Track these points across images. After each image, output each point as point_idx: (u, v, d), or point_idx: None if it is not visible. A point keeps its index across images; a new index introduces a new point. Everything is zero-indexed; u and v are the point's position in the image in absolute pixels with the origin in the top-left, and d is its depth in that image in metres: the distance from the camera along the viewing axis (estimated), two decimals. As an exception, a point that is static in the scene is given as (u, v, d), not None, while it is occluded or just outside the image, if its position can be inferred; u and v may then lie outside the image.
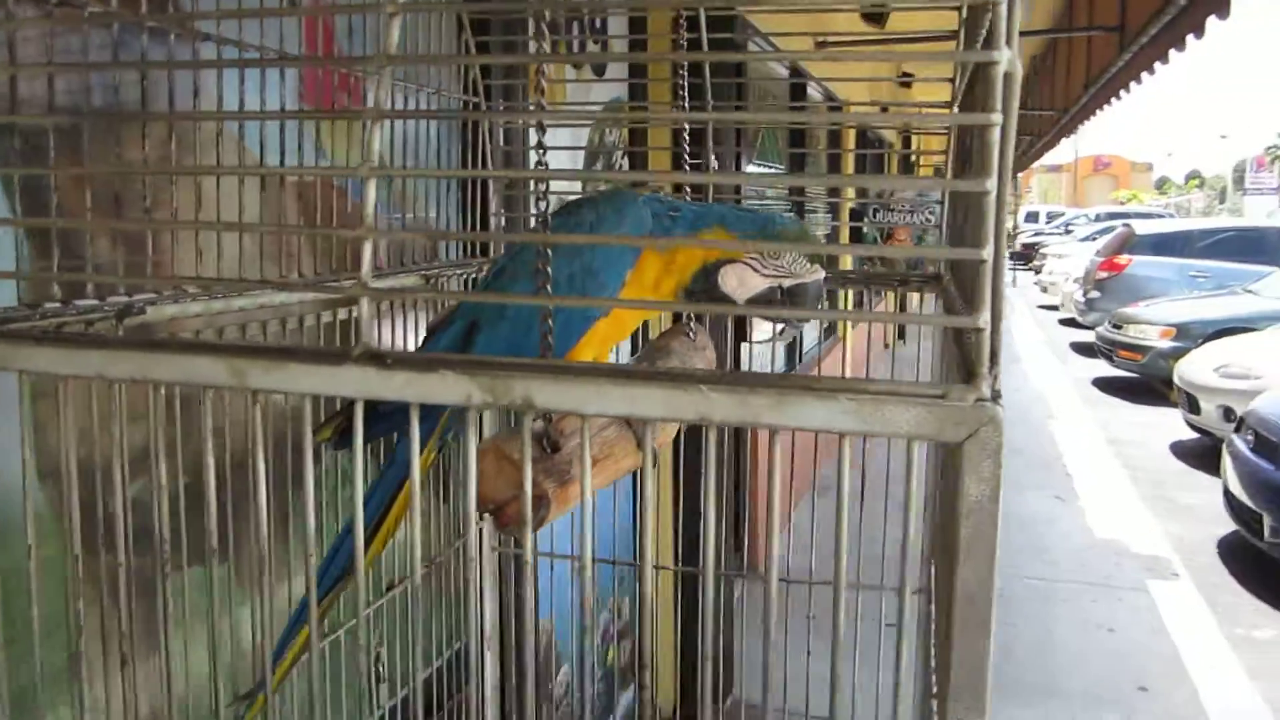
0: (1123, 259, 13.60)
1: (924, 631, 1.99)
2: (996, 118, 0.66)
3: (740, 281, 1.27)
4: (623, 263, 1.22)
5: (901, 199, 6.63)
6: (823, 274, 1.31)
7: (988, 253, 0.66)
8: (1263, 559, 6.09)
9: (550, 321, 1.11)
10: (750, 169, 5.88)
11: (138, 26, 1.12)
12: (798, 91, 6.32)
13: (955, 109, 1.72)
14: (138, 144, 1.21)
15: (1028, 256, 25.79)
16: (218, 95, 1.30)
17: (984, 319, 0.67)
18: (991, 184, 0.66)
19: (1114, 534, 6.81)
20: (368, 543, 1.29)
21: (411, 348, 1.81)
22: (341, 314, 1.56)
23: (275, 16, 1.48)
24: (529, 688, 2.35)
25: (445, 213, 2.30)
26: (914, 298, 2.06)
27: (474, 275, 1.94)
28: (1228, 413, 7.95)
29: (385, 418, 1.14)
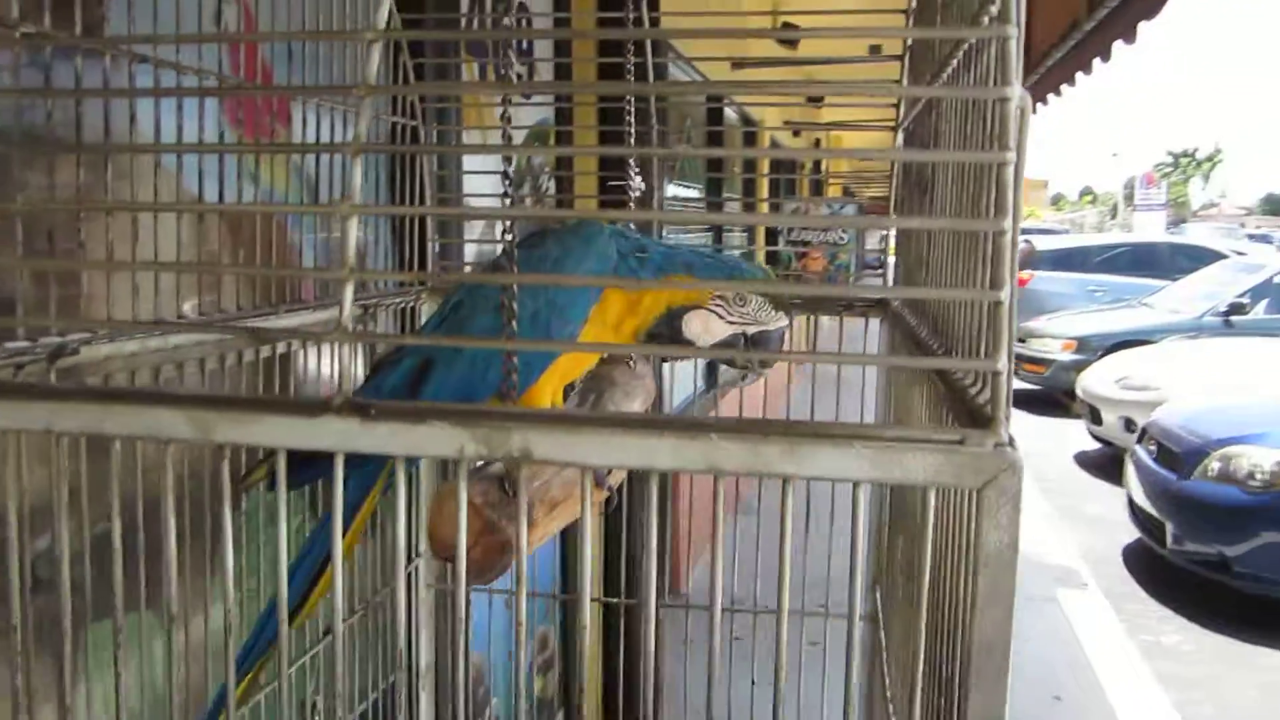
0: (1025, 274, 14.03)
1: (867, 657, 1.99)
2: (1011, 155, 0.65)
3: (705, 328, 1.28)
4: (587, 299, 1.19)
5: (815, 217, 6.72)
6: (786, 321, 1.32)
7: (1005, 294, 0.64)
8: (1167, 566, 6.30)
9: (515, 359, 1.07)
10: (670, 189, 5.89)
11: (72, 49, 1.05)
12: (714, 114, 6.35)
13: (900, 134, 1.73)
14: (71, 170, 1.13)
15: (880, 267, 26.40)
16: (155, 123, 1.22)
17: (1001, 362, 0.65)
18: (1008, 224, 0.64)
19: (1025, 545, 6.94)
20: (307, 595, 1.24)
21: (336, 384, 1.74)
22: (264, 351, 1.49)
23: (224, 42, 1.41)
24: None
25: (376, 234, 2.23)
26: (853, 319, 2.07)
27: (410, 305, 1.88)
28: (1129, 423, 8.22)
29: (317, 464, 1.09)
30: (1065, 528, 7.40)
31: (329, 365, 1.80)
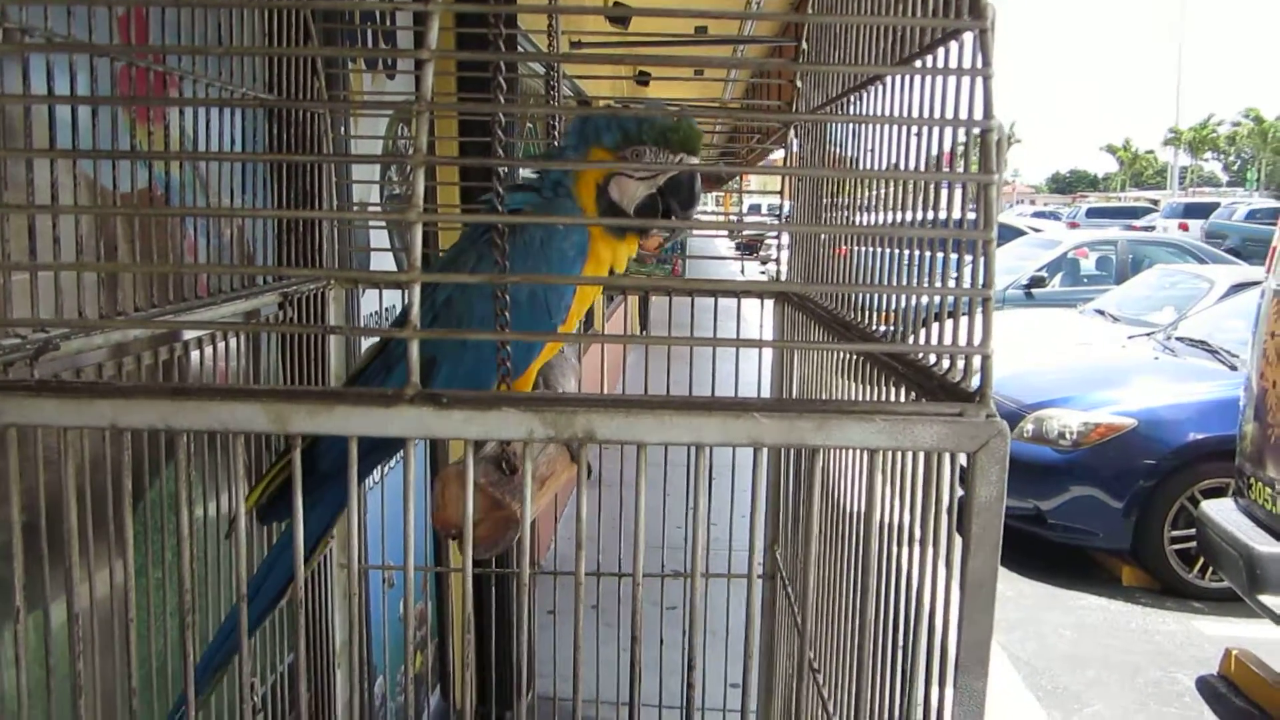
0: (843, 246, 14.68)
1: (769, 616, 2.15)
2: (995, 177, 0.78)
3: (621, 192, 1.31)
4: (576, 268, 1.26)
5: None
6: (694, 160, 1.32)
7: (993, 291, 0.78)
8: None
9: (507, 350, 1.14)
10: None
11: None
12: (548, 89, 6.38)
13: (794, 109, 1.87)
14: None
15: (753, 247, 27.24)
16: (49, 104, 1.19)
17: (991, 347, 0.78)
18: (993, 234, 0.78)
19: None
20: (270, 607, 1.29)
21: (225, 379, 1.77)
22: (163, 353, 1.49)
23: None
24: (367, 701, 2.32)
25: (261, 224, 2.22)
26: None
27: (322, 290, 1.90)
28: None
29: (324, 482, 1.14)
30: (892, 491, 7.86)
31: (232, 362, 1.81)
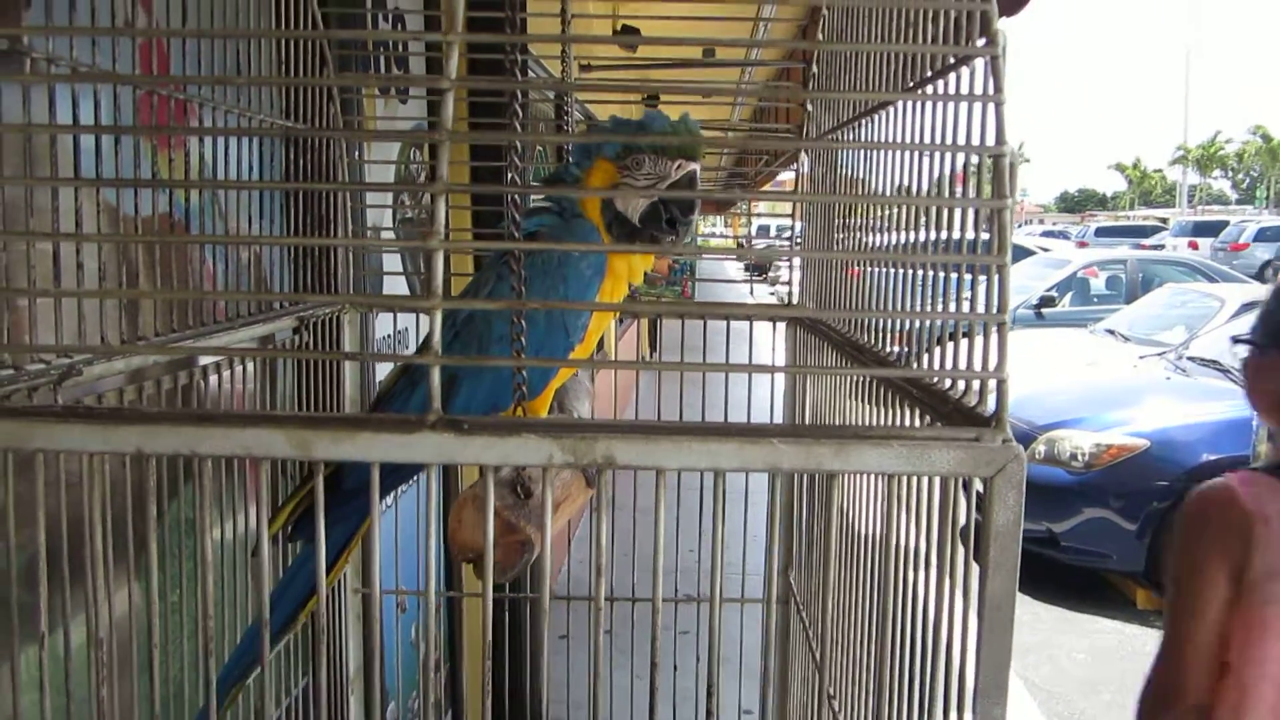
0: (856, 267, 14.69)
1: (783, 641, 2.15)
2: (1009, 202, 0.79)
3: (625, 202, 1.32)
4: (593, 288, 1.27)
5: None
6: (694, 165, 1.33)
7: (1008, 316, 0.78)
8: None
9: (523, 373, 1.15)
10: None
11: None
12: (559, 112, 6.43)
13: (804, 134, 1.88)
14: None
15: (763, 269, 27.31)
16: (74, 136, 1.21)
17: (1006, 371, 0.79)
18: (1008, 258, 0.79)
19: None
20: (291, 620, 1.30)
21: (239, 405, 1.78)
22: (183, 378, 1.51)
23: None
24: (380, 727, 2.31)
25: (277, 248, 2.24)
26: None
27: (337, 314, 1.91)
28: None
29: (346, 500, 1.15)
30: (907, 516, 7.82)
31: (249, 384, 1.82)
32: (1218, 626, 1.78)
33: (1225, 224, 26.58)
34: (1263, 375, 1.95)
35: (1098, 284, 12.71)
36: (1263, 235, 23.16)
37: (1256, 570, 1.76)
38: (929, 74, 1.05)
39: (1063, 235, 35.74)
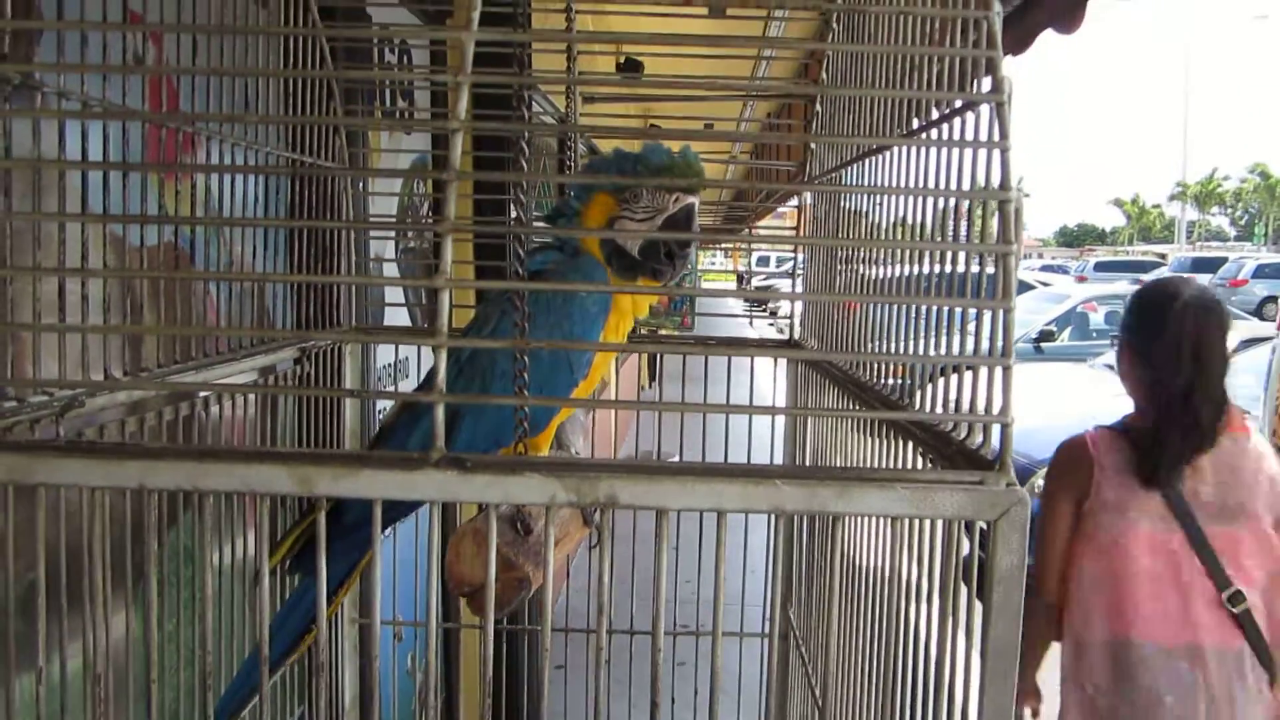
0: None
1: (782, 676, 2.13)
2: (1014, 247, 0.79)
3: (623, 237, 1.32)
4: (599, 324, 1.27)
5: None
6: (691, 200, 1.33)
7: (1012, 360, 0.79)
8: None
9: (525, 409, 1.15)
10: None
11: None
12: (562, 143, 6.47)
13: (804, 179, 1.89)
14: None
15: (764, 301, 27.31)
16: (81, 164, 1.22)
17: (1011, 415, 0.79)
18: (1013, 303, 0.79)
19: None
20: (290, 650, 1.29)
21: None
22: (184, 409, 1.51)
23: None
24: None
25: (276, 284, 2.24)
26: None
27: (334, 345, 1.91)
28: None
29: (347, 533, 1.15)
30: (910, 556, 7.79)
31: (250, 411, 1.82)
32: (1064, 543, 2.44)
33: (1224, 260, 26.65)
34: (1121, 360, 2.53)
35: (1097, 319, 12.71)
36: (1261, 271, 23.22)
37: (1093, 502, 2.39)
38: (934, 116, 1.06)
39: (1062, 270, 35.82)
